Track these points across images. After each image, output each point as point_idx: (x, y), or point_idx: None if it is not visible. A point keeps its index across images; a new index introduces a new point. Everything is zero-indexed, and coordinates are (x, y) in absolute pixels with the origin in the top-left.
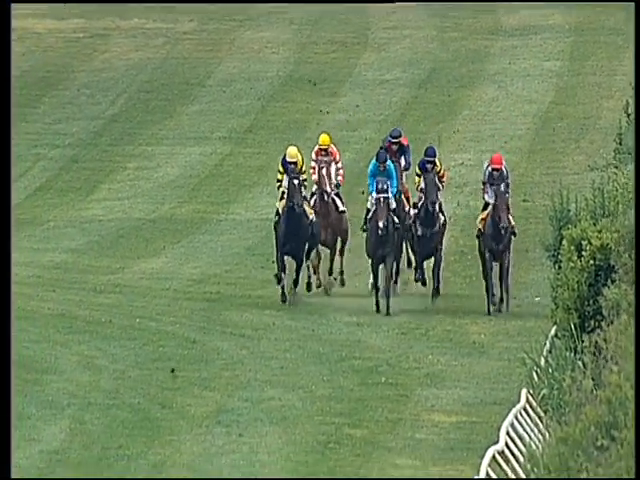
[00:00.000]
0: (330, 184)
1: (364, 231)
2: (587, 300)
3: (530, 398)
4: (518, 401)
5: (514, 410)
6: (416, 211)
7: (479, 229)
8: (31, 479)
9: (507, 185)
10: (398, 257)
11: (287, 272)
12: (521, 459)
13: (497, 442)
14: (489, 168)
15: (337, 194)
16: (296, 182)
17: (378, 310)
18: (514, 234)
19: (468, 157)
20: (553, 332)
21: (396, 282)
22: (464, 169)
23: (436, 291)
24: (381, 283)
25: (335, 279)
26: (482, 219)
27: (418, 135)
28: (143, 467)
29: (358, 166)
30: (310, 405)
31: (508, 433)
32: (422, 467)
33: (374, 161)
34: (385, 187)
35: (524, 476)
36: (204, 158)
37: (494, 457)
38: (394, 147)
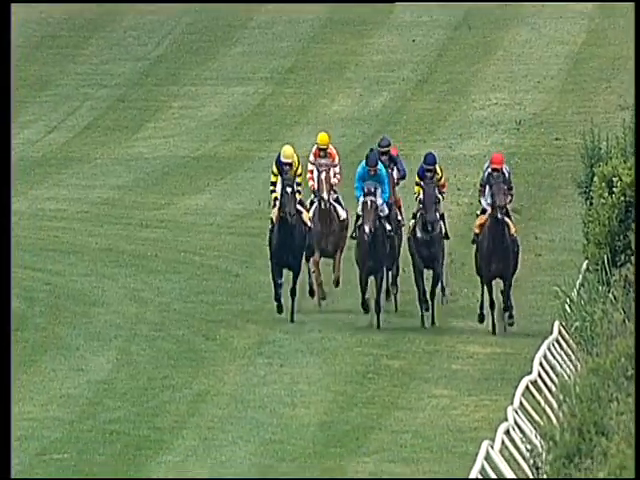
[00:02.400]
0: (328, 190)
1: (353, 238)
2: (617, 235)
3: (562, 330)
4: (551, 333)
5: (547, 342)
6: (414, 221)
7: (475, 234)
8: (32, 479)
9: (510, 189)
10: (391, 268)
11: (283, 283)
12: (553, 389)
13: (530, 373)
14: (488, 169)
15: (337, 200)
16: (289, 190)
17: (379, 326)
18: (515, 242)
19: (502, 97)
20: (585, 266)
21: (388, 296)
22: (498, 108)
23: (444, 299)
24: (371, 297)
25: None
26: (479, 224)
27: (454, 75)
28: (187, 397)
29: (395, 105)
30: (349, 337)
31: (541, 364)
32: (458, 397)
33: (363, 164)
34: (373, 189)
35: (556, 405)
36: (246, 98)
37: (527, 387)
38: (383, 157)
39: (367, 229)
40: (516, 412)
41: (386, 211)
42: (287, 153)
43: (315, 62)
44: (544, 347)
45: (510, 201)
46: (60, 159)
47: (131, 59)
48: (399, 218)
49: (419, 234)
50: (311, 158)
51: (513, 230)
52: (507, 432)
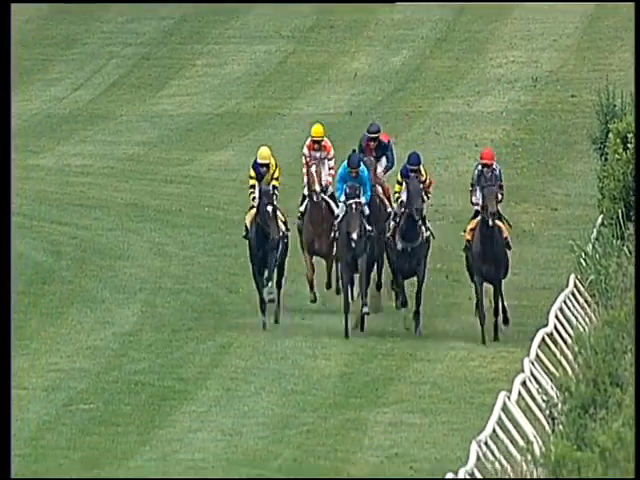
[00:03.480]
0: (320, 182)
1: (333, 240)
2: (632, 190)
3: (578, 283)
4: (566, 286)
5: (563, 295)
6: (394, 223)
7: (467, 240)
8: (32, 479)
9: (500, 187)
10: (372, 268)
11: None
12: (569, 341)
13: (546, 325)
14: (479, 166)
15: (331, 196)
16: (270, 209)
17: (347, 335)
18: (509, 247)
19: (519, 54)
20: (600, 221)
21: (379, 288)
22: (515, 66)
23: (416, 315)
24: (355, 298)
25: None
26: (471, 229)
27: (472, 34)
28: (211, 349)
29: (414, 63)
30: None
31: (557, 316)
32: (475, 349)
33: (345, 164)
34: (357, 192)
35: (572, 357)
36: (269, 56)
37: (543, 339)
38: (372, 144)
39: (354, 236)
40: (532, 364)
41: (367, 211)
42: (263, 154)
43: (336, 20)
44: (560, 300)
45: (501, 200)
46: (86, 116)
47: (156, 18)
48: (388, 210)
49: (399, 245)
50: (305, 151)
51: (505, 234)
52: (524, 383)
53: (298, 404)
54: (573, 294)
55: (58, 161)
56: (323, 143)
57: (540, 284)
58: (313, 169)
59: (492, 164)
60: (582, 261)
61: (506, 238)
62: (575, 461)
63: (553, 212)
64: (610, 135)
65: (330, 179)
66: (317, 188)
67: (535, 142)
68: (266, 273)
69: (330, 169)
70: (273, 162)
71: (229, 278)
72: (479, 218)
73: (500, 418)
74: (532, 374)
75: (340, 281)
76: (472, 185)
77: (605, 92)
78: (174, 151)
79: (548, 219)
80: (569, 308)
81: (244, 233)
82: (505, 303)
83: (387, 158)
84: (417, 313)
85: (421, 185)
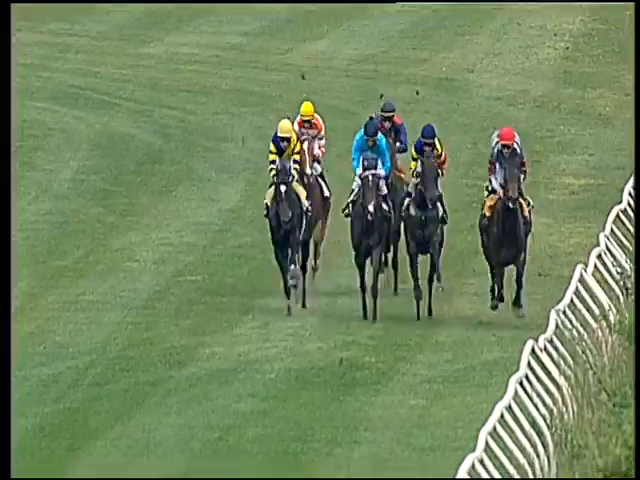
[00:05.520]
0: (311, 165)
1: (347, 216)
2: None
3: None
4: None
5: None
6: (408, 200)
7: (486, 216)
8: (32, 479)
9: (522, 165)
10: (387, 251)
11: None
12: None
13: (621, 202)
14: (498, 145)
15: (321, 175)
16: (283, 189)
17: (365, 316)
18: (526, 223)
19: None
20: None
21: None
22: None
23: (438, 281)
24: (368, 281)
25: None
26: (489, 206)
27: None
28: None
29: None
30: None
31: (630, 194)
32: (554, 225)
33: (361, 133)
34: (374, 163)
35: None
36: None
37: (618, 215)
38: (387, 124)
39: (371, 208)
40: (607, 238)
41: (385, 190)
42: (284, 128)
43: None
44: (633, 178)
45: (524, 178)
46: (192, 9)
47: None
48: (405, 188)
49: (413, 212)
50: (295, 127)
51: (526, 212)
52: (599, 256)
53: (387, 278)
54: None
55: (167, 50)
56: (314, 121)
57: (615, 164)
58: (305, 145)
59: (512, 144)
60: None
61: (525, 217)
62: None
63: (626, 97)
64: None
65: (320, 153)
66: (308, 171)
67: (610, 32)
68: (289, 254)
69: (320, 147)
70: (294, 136)
71: (327, 157)
72: (498, 197)
73: (577, 289)
74: (607, 248)
75: (354, 260)
76: (491, 163)
77: None
78: (274, 41)
79: (622, 103)
80: None
81: (265, 212)
82: (524, 288)
83: (400, 142)
84: (438, 282)
85: (436, 164)
